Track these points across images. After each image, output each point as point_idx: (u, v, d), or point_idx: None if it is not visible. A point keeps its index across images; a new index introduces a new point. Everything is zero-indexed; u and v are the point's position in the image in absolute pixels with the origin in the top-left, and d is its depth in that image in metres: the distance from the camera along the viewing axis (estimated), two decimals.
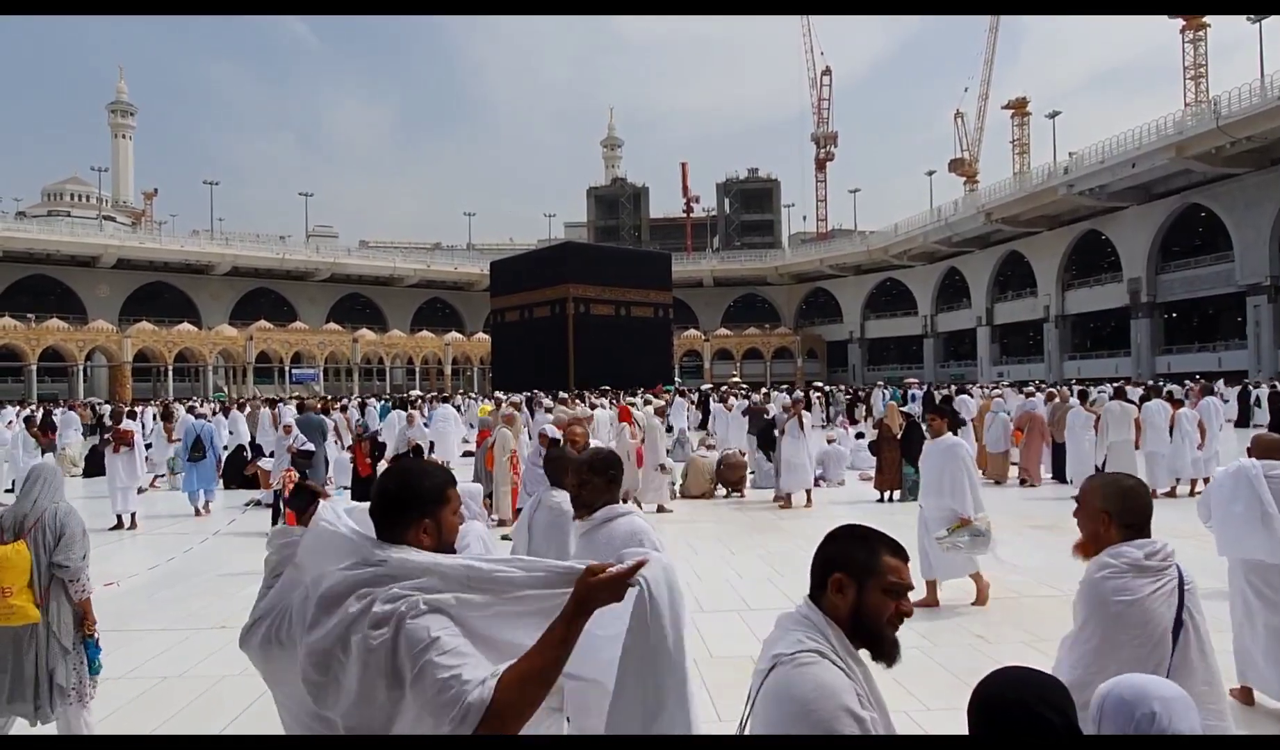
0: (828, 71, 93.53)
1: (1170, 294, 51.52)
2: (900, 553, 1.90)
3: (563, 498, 4.04)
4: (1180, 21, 63.11)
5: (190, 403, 31.61)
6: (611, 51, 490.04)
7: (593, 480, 3.41)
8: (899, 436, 13.21)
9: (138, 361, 57.84)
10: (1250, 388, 29.69)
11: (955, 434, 8.07)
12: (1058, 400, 16.00)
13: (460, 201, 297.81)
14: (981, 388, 20.67)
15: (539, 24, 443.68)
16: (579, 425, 6.53)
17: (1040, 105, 75.24)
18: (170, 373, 58.37)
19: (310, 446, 12.13)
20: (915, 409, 22.92)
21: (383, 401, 31.10)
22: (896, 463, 13.16)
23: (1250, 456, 4.89)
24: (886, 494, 13.27)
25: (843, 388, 41.62)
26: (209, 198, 73.38)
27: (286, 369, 62.81)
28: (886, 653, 1.84)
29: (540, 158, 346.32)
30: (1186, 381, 29.85)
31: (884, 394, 32.41)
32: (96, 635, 4.23)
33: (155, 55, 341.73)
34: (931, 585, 7.32)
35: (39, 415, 22.54)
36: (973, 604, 7.25)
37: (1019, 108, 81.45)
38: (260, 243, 72.50)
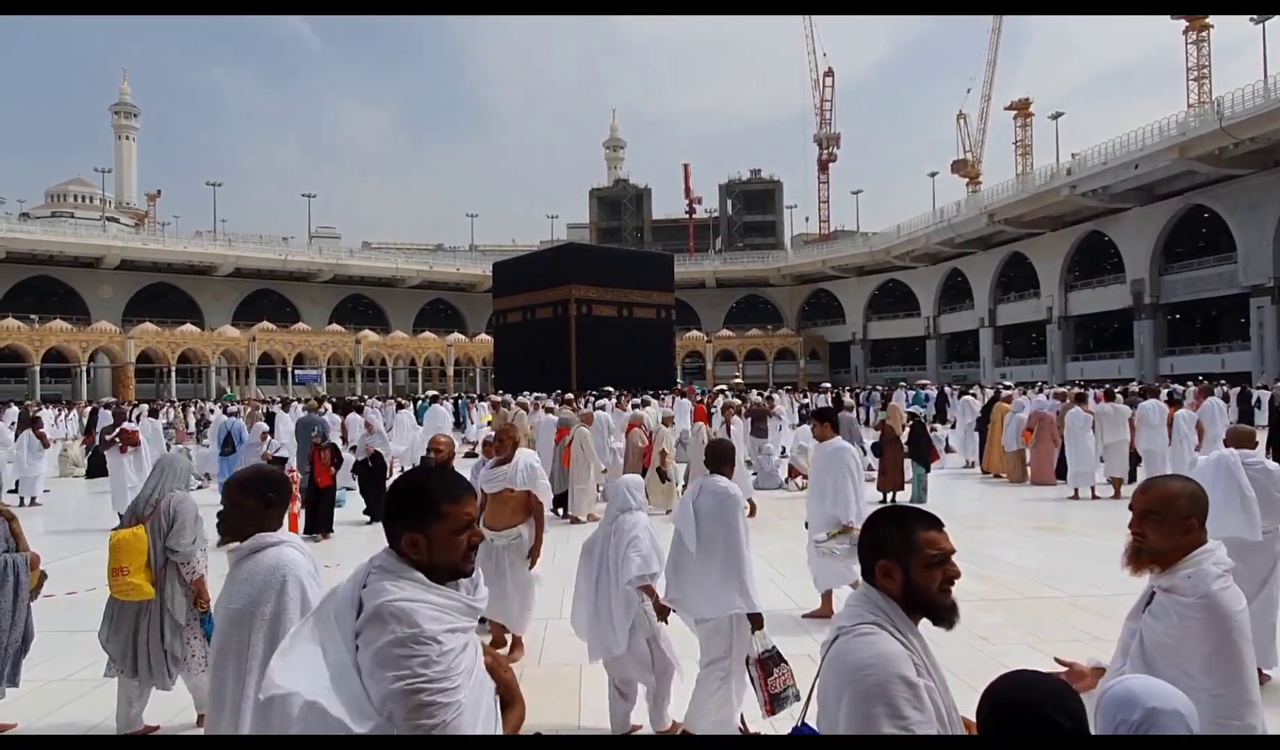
0: (830, 73, 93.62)
1: (1173, 295, 51.43)
2: (936, 524, 2.02)
3: (726, 483, 4.62)
4: (1183, 22, 63.06)
5: (221, 402, 33.03)
6: (615, 53, 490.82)
7: (244, 502, 2.94)
8: (903, 437, 13.21)
9: (140, 362, 57.93)
10: (1251, 390, 30.02)
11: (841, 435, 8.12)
12: (1067, 401, 16.03)
13: (463, 203, 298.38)
14: (1005, 388, 20.88)
15: (543, 26, 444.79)
16: (509, 433, 6.36)
17: (1043, 106, 75.23)
18: (173, 374, 58.43)
19: (285, 453, 12.05)
20: (928, 411, 22.79)
21: (420, 400, 30.62)
22: (900, 463, 13.16)
23: (1227, 447, 5.47)
24: (890, 495, 13.25)
25: (853, 388, 41.51)
26: (212, 199, 74.13)
27: (289, 370, 62.87)
28: (944, 618, 1.99)
29: (543, 159, 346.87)
30: (1189, 383, 30.08)
31: (906, 395, 32.02)
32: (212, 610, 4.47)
33: (158, 57, 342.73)
34: (826, 596, 7.20)
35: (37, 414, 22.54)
36: (804, 615, 7.13)
37: (1022, 109, 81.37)
38: (263, 244, 72.61)
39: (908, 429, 14.39)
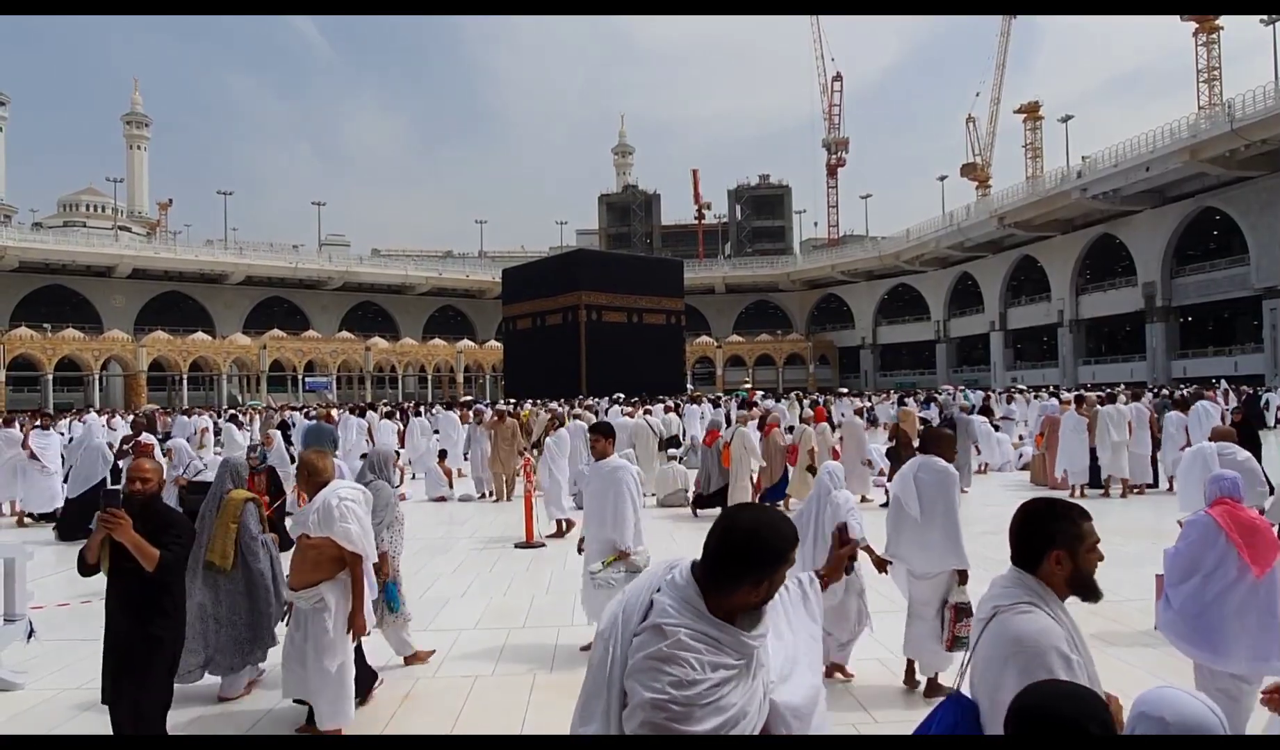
0: (839, 77, 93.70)
1: (1185, 298, 51.15)
2: (1088, 515, 2.32)
3: (944, 463, 5.39)
4: (1193, 25, 62.80)
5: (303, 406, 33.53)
6: (624, 60, 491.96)
7: None
8: (916, 442, 13.15)
9: (153, 371, 58.23)
10: (1260, 392, 30.28)
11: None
12: (1085, 405, 15.94)
13: (472, 209, 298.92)
14: (1052, 391, 20.99)
15: (553, 32, 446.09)
16: (309, 464, 4.87)
17: (1053, 109, 74.70)
18: (184, 382, 58.73)
19: (207, 478, 9.96)
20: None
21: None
22: None
23: (1210, 441, 6.58)
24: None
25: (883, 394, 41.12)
26: (223, 208, 74.49)
27: (300, 378, 63.11)
28: (1096, 595, 2.27)
29: (552, 165, 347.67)
30: (1194, 386, 30.10)
31: (964, 394, 29.85)
32: (396, 579, 5.89)
33: (170, 66, 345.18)
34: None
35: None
36: (582, 648, 6.28)
37: (1031, 112, 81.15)
38: (273, 252, 73.02)
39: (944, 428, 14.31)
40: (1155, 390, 26.33)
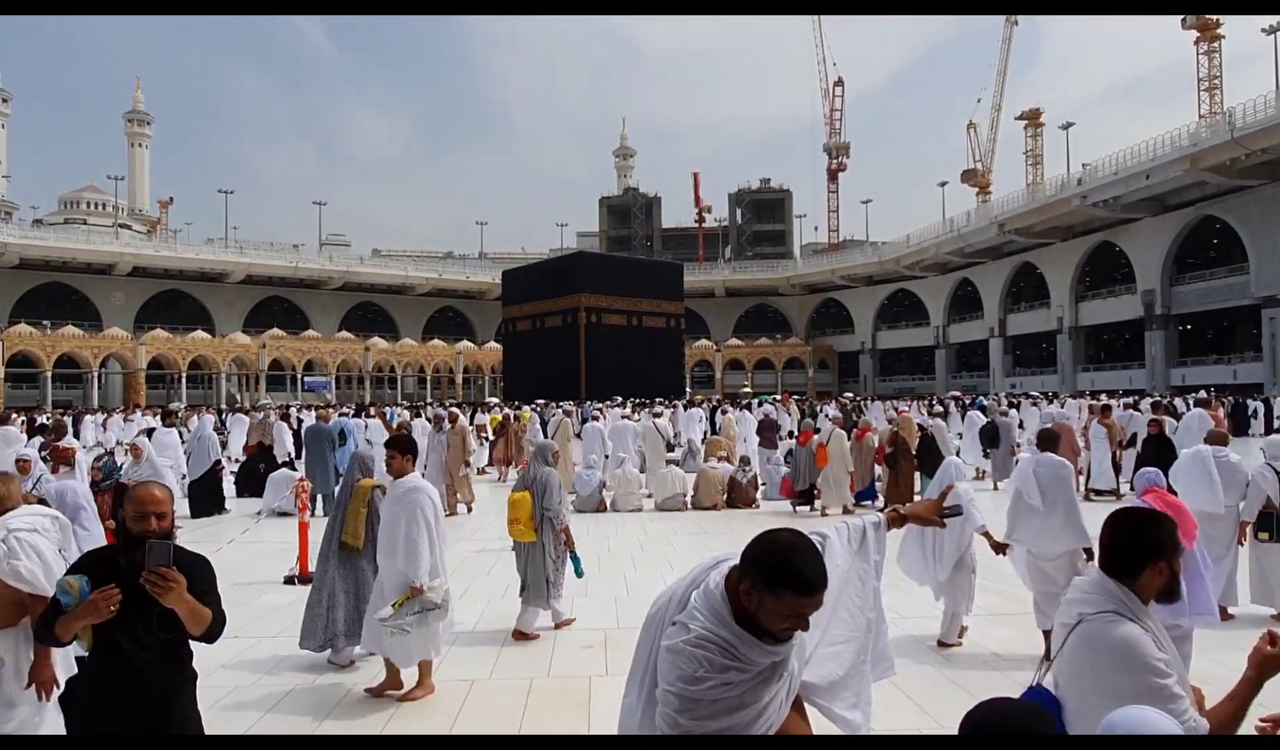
0: (840, 82, 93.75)
1: (1185, 306, 51.21)
2: (1175, 523, 2.40)
3: (1059, 458, 6.20)
4: (1194, 33, 62.89)
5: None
6: (626, 62, 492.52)
7: None
8: (914, 450, 13.16)
9: (152, 369, 58.25)
10: (1246, 401, 31.51)
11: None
12: (1087, 412, 16.08)
13: (473, 210, 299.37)
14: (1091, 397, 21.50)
15: (556, 35, 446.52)
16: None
17: (1054, 117, 75.04)
18: (184, 380, 58.72)
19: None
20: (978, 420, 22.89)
21: (545, 407, 27.05)
22: (911, 475, 13.10)
23: (1206, 444, 7.42)
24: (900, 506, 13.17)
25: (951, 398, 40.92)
26: (224, 206, 74.47)
27: (299, 377, 63.08)
28: (1176, 596, 2.35)
29: (553, 167, 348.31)
30: (1194, 394, 30.62)
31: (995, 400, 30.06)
32: (575, 549, 7.06)
33: (172, 65, 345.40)
34: (426, 668, 5.52)
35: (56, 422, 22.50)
36: (399, 696, 5.40)
37: (1032, 119, 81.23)
38: (274, 251, 73.06)
39: (919, 441, 14.33)
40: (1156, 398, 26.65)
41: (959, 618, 6.46)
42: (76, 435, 21.73)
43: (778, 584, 1.96)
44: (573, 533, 7.11)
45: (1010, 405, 26.42)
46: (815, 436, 13.55)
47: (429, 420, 18.25)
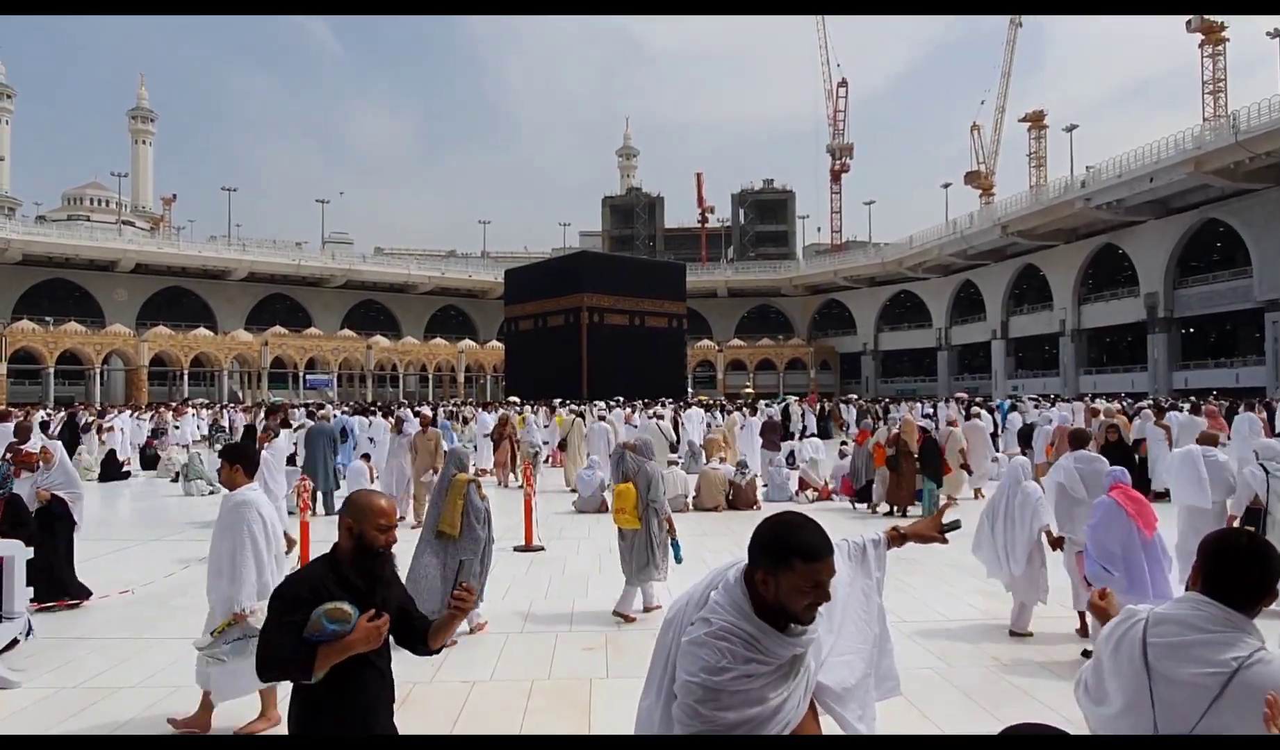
0: (844, 83, 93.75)
1: (1188, 309, 51.11)
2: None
3: (1096, 454, 7.12)
4: (1199, 36, 62.85)
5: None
6: (630, 63, 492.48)
7: None
8: (916, 452, 13.15)
9: (154, 365, 58.31)
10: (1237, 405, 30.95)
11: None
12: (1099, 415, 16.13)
13: (475, 209, 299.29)
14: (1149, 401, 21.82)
15: (560, 35, 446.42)
16: None
17: (1058, 119, 75.04)
18: (186, 377, 58.80)
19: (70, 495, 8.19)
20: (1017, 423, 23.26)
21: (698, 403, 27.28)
22: (912, 478, 13.09)
23: (1197, 444, 7.88)
24: (898, 509, 13.16)
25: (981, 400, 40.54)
26: (227, 203, 74.40)
27: (301, 375, 63.13)
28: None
29: (556, 166, 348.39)
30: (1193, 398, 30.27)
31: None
32: (676, 537, 7.62)
33: (176, 62, 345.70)
34: (269, 698, 5.00)
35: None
36: (241, 729, 4.94)
37: (1036, 121, 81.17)
38: (276, 249, 73.07)
39: (921, 443, 14.32)
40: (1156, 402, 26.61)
41: (1029, 609, 6.87)
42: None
43: (786, 556, 2.03)
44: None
45: (1012, 407, 26.55)
46: (872, 436, 14.29)
47: (402, 418, 17.43)
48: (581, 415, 19.72)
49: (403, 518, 11.83)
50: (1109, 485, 5.95)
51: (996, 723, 4.85)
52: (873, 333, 77.82)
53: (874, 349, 77.80)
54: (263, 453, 9.93)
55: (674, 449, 19.62)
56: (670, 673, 2.17)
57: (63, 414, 23.33)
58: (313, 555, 8.83)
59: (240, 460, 4.88)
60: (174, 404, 37.93)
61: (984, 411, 20.21)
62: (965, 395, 32.69)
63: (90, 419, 24.60)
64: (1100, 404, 23.14)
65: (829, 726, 2.53)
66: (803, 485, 15.46)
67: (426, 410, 16.94)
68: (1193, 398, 31.99)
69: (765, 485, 15.33)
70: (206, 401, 44.44)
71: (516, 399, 29.56)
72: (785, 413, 29.50)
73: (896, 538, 2.87)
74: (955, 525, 2.97)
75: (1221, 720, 1.98)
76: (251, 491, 4.82)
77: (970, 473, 14.55)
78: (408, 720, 5.08)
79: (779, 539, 2.06)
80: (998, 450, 18.70)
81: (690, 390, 52.59)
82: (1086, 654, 6.14)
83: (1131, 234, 52.96)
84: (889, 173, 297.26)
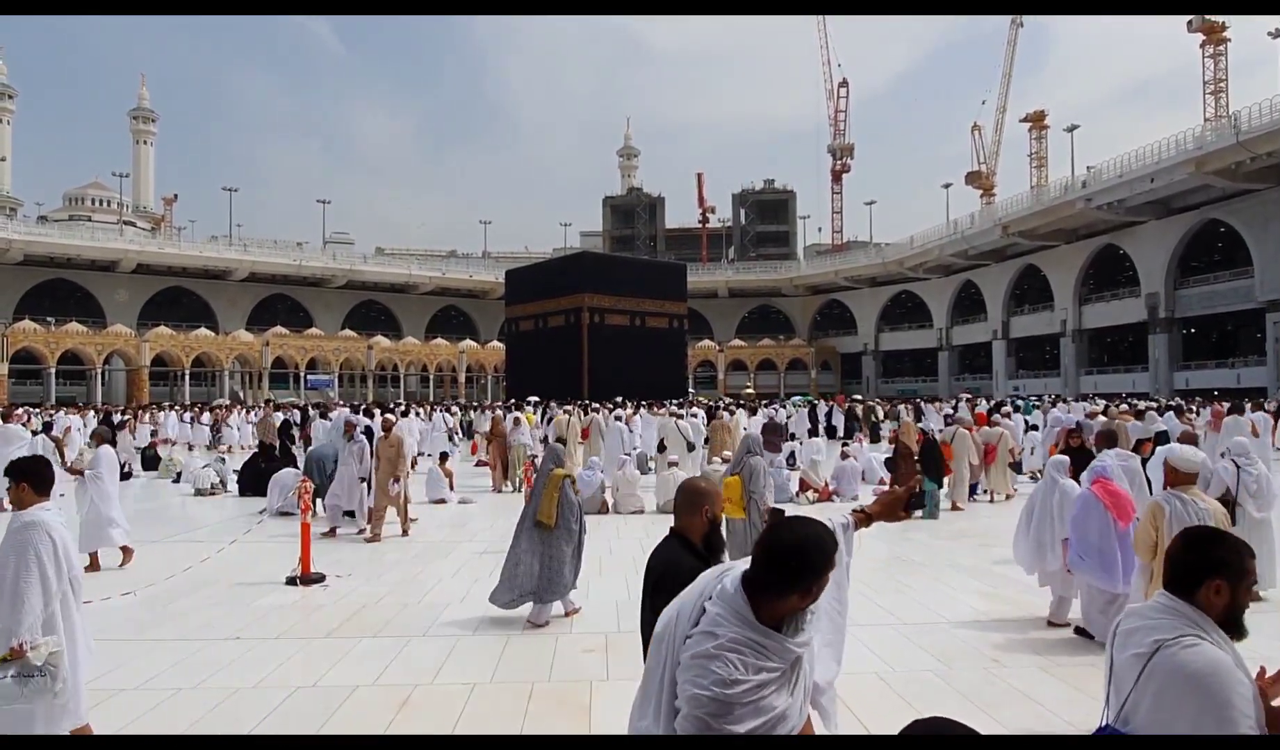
0: (845, 83, 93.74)
1: (1189, 309, 51.13)
2: (1253, 552, 2.30)
3: (1129, 453, 8.28)
4: (1200, 36, 62.81)
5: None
6: (631, 63, 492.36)
7: None
8: (916, 453, 13.15)
9: (155, 365, 58.36)
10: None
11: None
12: (1098, 415, 16.16)
13: (476, 210, 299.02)
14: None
15: (561, 35, 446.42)
16: None
17: (1059, 119, 75.01)
18: (187, 377, 58.84)
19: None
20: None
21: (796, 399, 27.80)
22: (912, 478, 13.08)
23: (1178, 443, 7.81)
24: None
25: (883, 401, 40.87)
26: (228, 204, 74.36)
27: (302, 375, 63.16)
28: (1242, 633, 2.21)
29: (557, 167, 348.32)
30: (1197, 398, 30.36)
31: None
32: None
33: (177, 62, 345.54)
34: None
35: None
36: None
37: (1037, 121, 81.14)
38: (277, 249, 73.14)
39: (921, 445, 14.33)
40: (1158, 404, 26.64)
41: (1067, 601, 7.05)
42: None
43: (799, 583, 2.07)
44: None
45: (1014, 408, 26.68)
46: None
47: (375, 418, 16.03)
48: (576, 415, 19.71)
49: (361, 531, 11.51)
50: (1090, 480, 6.29)
51: (996, 724, 4.87)
52: (873, 333, 77.84)
53: (875, 349, 77.81)
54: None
55: (691, 449, 19.62)
56: (670, 691, 2.11)
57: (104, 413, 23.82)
58: (313, 555, 8.86)
59: (28, 478, 4.22)
60: (224, 403, 38.09)
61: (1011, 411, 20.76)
62: (969, 395, 32.92)
63: (127, 418, 24.78)
64: (1098, 403, 23.37)
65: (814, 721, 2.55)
66: (803, 486, 15.45)
67: (390, 416, 15.15)
68: (1177, 399, 32.17)
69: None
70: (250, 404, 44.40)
71: (534, 398, 29.52)
72: (812, 412, 29.94)
73: (863, 519, 2.92)
74: (920, 503, 3.03)
75: (1142, 698, 2.14)
76: (43, 511, 4.19)
77: (1019, 471, 15.33)
78: (408, 722, 5.10)
79: (794, 559, 2.09)
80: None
81: (691, 390, 52.56)
82: (1079, 630, 6.68)
83: (1132, 234, 52.97)
84: (890, 173, 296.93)
